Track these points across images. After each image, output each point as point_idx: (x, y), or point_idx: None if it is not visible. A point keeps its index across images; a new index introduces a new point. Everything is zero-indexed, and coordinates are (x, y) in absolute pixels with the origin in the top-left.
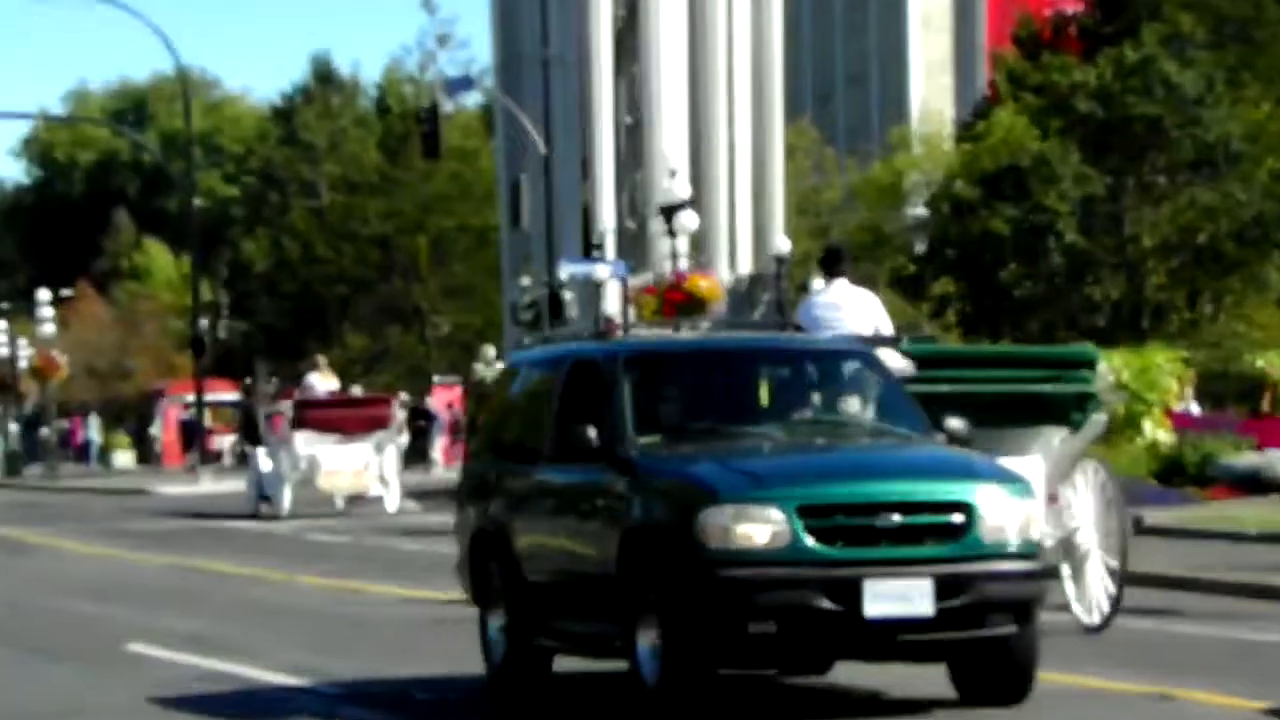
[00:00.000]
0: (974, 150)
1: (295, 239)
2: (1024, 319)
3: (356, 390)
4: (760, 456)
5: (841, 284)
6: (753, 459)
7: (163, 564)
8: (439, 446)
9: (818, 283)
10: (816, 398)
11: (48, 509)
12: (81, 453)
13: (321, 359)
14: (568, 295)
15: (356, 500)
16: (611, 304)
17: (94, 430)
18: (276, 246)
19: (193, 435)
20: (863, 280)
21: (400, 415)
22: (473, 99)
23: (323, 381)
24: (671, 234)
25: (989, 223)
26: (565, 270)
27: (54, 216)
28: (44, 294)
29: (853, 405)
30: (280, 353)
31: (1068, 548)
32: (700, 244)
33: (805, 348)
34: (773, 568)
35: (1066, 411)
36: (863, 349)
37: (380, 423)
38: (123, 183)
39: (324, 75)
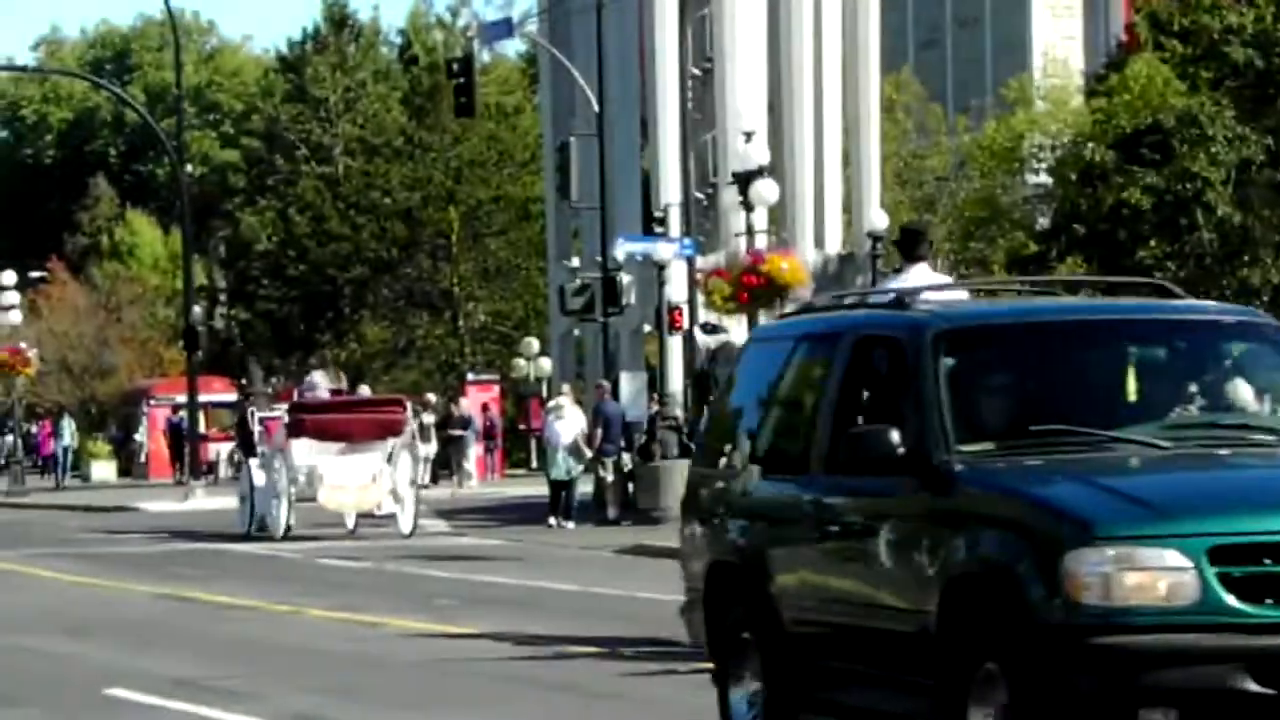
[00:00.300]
0: (1107, 107)
1: (304, 212)
2: None
3: (364, 390)
4: (1144, 474)
5: (921, 269)
6: (1135, 477)
7: (148, 594)
8: (472, 457)
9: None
10: (1201, 388)
11: (12, 529)
12: (53, 463)
13: (328, 354)
14: (625, 279)
15: (366, 518)
16: (676, 289)
17: (68, 436)
18: (282, 221)
19: (183, 443)
20: (975, 262)
21: (428, 419)
22: (513, 47)
23: (328, 381)
24: (747, 206)
25: (1125, 193)
26: (622, 249)
27: (21, 184)
28: (9, 276)
29: (1252, 399)
30: (286, 346)
31: None
32: (781, 218)
33: (1187, 318)
34: (1174, 634)
35: None
36: (1268, 320)
37: (391, 428)
38: (102, 145)
39: (338, 20)
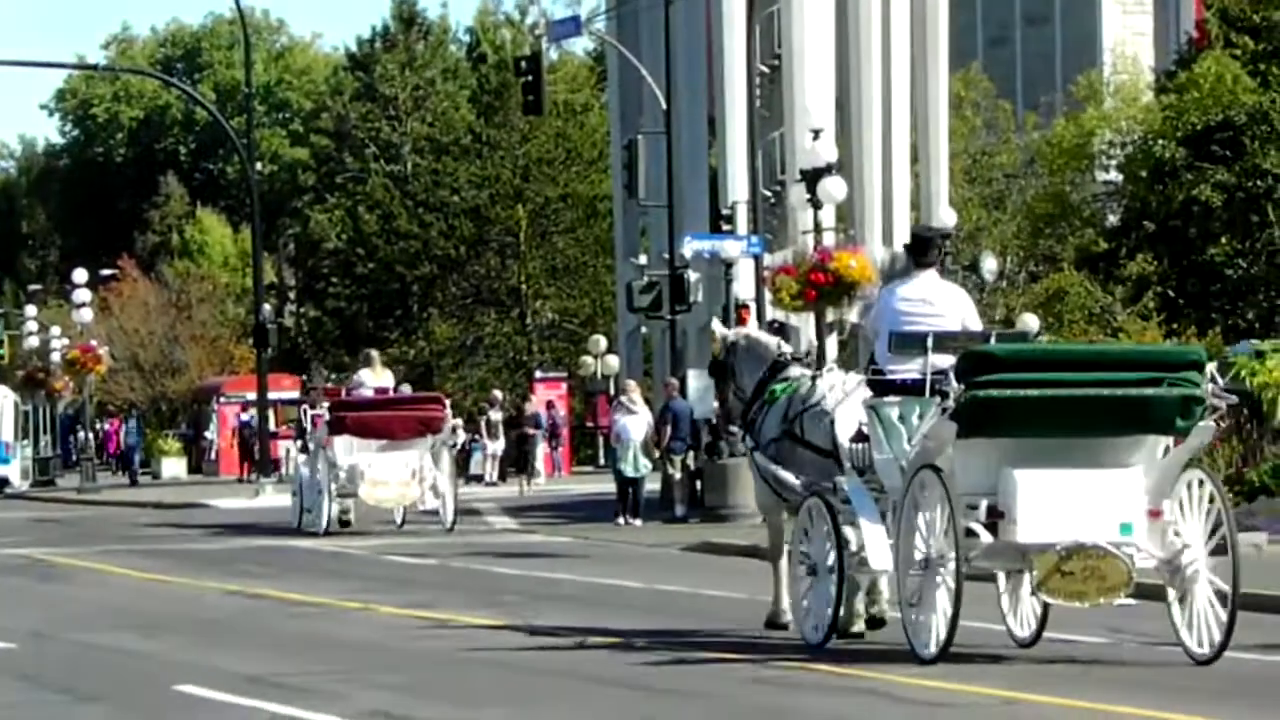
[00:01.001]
0: (1178, 104)
1: (373, 210)
2: (1238, 305)
3: (405, 389)
4: None
5: (930, 276)
6: None
7: (219, 590)
8: (540, 454)
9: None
10: None
11: (84, 525)
12: (124, 459)
13: (375, 354)
14: (692, 276)
15: (428, 514)
16: (744, 286)
17: (138, 433)
18: (351, 219)
19: (250, 440)
20: (1045, 259)
21: (495, 416)
22: (581, 45)
23: (374, 379)
24: (814, 204)
25: (1196, 190)
26: (689, 247)
27: (92, 183)
28: (80, 274)
29: None
30: (354, 343)
31: (1173, 570)
32: (849, 215)
33: None
34: None
35: (1169, 418)
36: None
37: (431, 425)
38: (172, 144)
39: (407, 18)
